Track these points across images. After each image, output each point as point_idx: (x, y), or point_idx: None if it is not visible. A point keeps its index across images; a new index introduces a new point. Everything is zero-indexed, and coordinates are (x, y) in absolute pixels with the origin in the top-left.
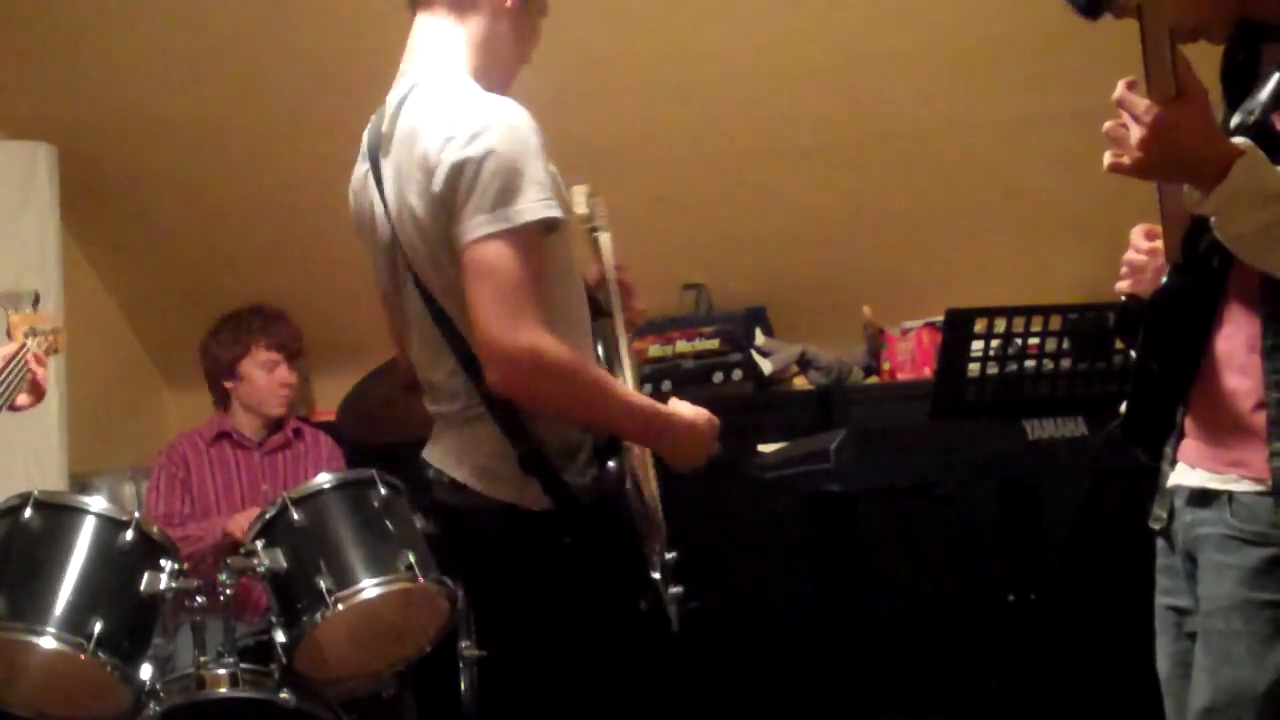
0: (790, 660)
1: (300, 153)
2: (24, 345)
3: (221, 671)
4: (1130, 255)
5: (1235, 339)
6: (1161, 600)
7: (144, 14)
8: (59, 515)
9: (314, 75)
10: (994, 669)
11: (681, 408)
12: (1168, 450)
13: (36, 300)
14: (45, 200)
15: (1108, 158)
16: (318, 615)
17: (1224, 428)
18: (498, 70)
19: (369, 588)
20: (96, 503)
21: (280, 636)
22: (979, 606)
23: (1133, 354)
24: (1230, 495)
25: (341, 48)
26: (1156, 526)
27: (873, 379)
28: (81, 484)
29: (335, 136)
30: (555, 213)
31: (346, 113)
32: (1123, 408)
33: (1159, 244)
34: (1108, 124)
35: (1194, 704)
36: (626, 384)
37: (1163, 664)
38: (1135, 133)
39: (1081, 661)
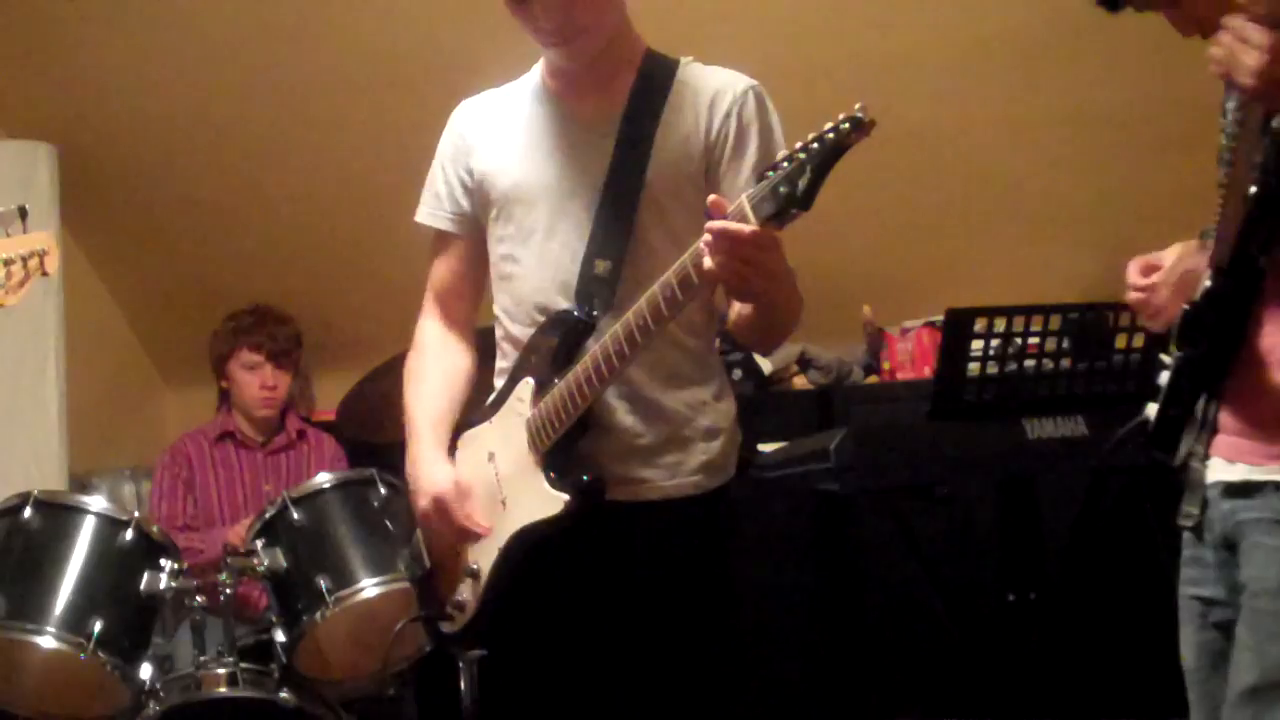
0: (790, 660)
1: (301, 152)
2: None
3: (221, 671)
4: (1132, 296)
5: (1276, 336)
6: (1187, 590)
7: (144, 14)
8: (59, 515)
9: (314, 75)
10: (994, 669)
11: (427, 467)
12: (1197, 448)
13: (24, 214)
14: (45, 200)
15: (1216, 69)
16: (317, 615)
17: (1266, 423)
18: None
19: (369, 587)
20: (96, 502)
21: (280, 636)
22: (979, 606)
23: (1166, 360)
24: (1277, 484)
25: (342, 47)
26: (1188, 524)
27: (873, 379)
28: (81, 484)
29: (336, 136)
30: (422, 218)
31: (347, 112)
32: (1149, 413)
33: (1155, 277)
34: (1213, 49)
35: (1238, 683)
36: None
37: (1188, 653)
38: (1251, 58)
39: (1081, 661)
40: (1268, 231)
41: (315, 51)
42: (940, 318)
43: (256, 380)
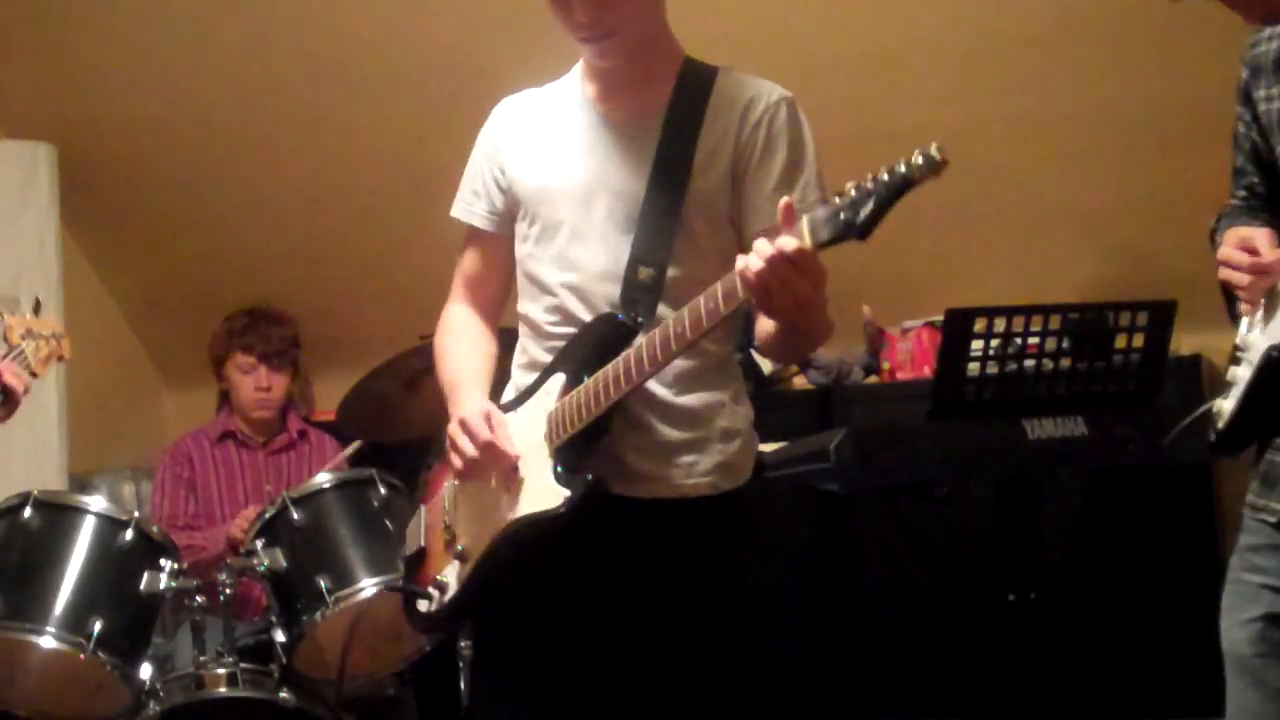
0: (790, 660)
1: (301, 152)
2: (18, 348)
3: (221, 671)
4: (1238, 275)
5: None
6: (1252, 578)
7: (144, 14)
8: (58, 515)
9: (314, 75)
10: (994, 669)
11: (469, 401)
12: None
13: (38, 307)
14: (45, 200)
15: None
16: (317, 615)
17: None
18: None
19: (368, 587)
20: (96, 502)
21: (280, 636)
22: (979, 606)
23: (1240, 353)
24: None
25: (342, 47)
26: (1271, 520)
27: (873, 379)
28: (81, 484)
29: (336, 136)
30: (457, 213)
31: (347, 112)
32: (1219, 407)
33: (1269, 257)
34: None
35: None
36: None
37: (1242, 638)
38: None
39: (1081, 660)
40: None
41: (315, 52)
42: (940, 318)
43: (251, 382)
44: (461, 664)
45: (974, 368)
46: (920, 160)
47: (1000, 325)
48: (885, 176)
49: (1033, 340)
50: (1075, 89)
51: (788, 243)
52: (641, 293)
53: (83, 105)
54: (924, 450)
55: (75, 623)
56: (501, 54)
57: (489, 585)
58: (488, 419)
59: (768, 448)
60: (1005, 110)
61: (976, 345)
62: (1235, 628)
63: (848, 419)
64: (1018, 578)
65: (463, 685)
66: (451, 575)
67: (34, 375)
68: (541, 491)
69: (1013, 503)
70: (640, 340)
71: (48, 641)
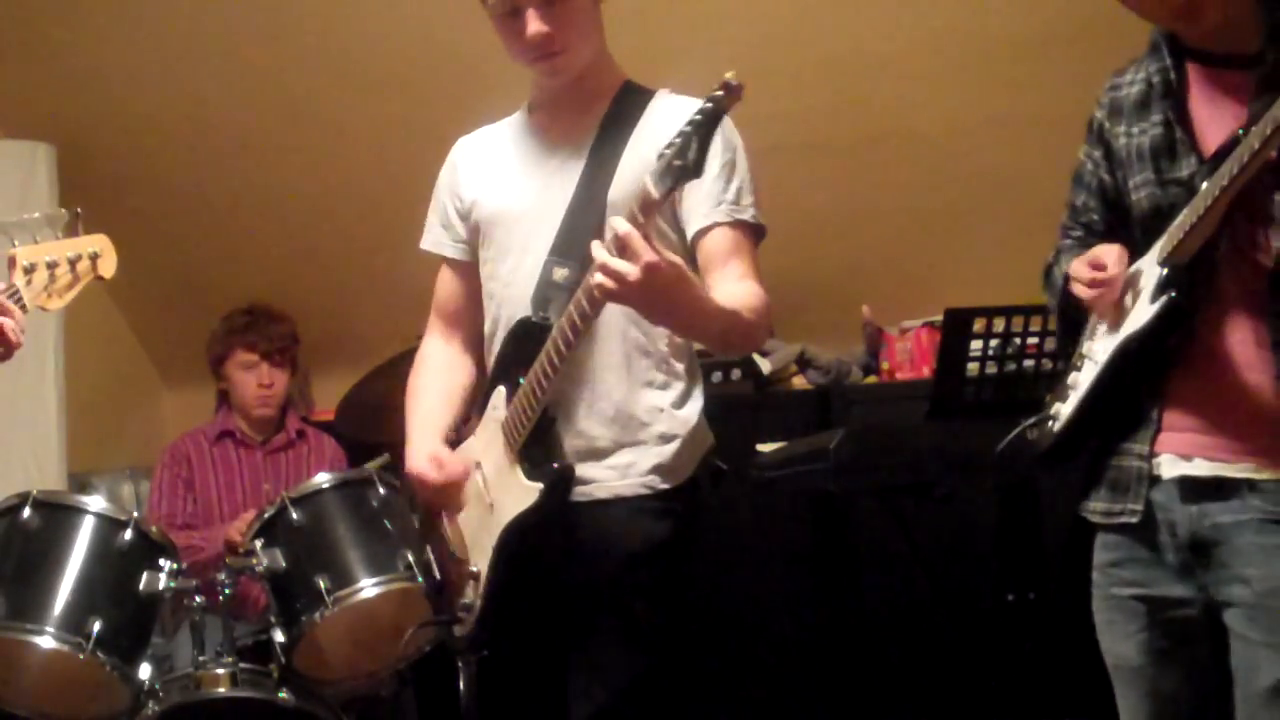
0: (789, 660)
1: (300, 152)
2: (12, 288)
3: (220, 671)
4: (1090, 291)
5: (1235, 336)
6: (1120, 590)
7: (143, 13)
8: (58, 515)
9: (314, 75)
10: (993, 669)
11: (419, 446)
12: (1135, 446)
13: (76, 219)
14: (44, 199)
15: None
16: (316, 615)
17: (1234, 421)
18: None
19: (367, 587)
20: (95, 502)
21: (279, 636)
22: (978, 606)
23: (1084, 356)
24: (1251, 483)
25: (343, 48)
26: (1131, 520)
27: (871, 379)
28: (80, 483)
29: (334, 136)
30: (427, 245)
31: (346, 113)
32: (1059, 412)
33: (1113, 271)
34: None
35: (1260, 682)
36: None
37: (1130, 652)
38: None
39: (1080, 661)
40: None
41: (314, 51)
42: (939, 318)
43: (253, 379)
44: (461, 664)
45: (973, 368)
46: (721, 93)
47: (999, 325)
48: (699, 117)
49: (1032, 340)
50: (1074, 89)
51: (619, 223)
52: (555, 290)
53: (82, 105)
54: (924, 450)
55: (74, 623)
56: (501, 54)
57: (501, 595)
58: (435, 463)
59: (767, 448)
60: (1005, 110)
61: (976, 345)
62: (1120, 641)
63: (847, 419)
64: (1017, 578)
65: (462, 685)
66: (472, 595)
67: (42, 309)
68: (518, 494)
69: (1012, 503)
70: (552, 333)
71: (47, 641)
